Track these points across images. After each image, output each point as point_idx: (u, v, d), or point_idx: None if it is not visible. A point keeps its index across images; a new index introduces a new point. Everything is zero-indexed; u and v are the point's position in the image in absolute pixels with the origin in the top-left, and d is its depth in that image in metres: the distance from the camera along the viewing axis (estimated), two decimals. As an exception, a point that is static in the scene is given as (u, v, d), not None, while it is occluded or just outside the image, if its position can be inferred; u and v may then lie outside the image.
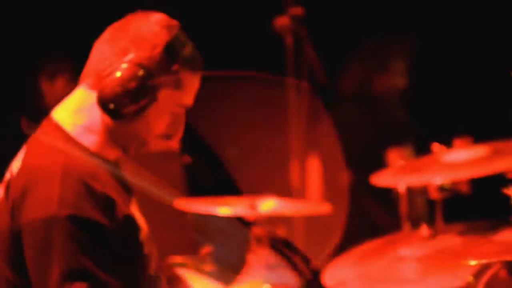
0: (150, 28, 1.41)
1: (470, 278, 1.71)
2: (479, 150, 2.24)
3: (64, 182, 1.30)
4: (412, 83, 3.80)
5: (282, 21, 2.87)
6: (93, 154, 1.40)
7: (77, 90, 1.45)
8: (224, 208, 2.78)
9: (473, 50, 3.83)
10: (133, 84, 1.34)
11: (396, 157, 3.25)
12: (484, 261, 1.69)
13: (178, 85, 1.42)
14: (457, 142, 2.26)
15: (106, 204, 1.32)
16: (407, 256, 2.08)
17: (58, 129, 1.42)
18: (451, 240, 2.06)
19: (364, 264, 2.12)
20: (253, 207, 2.60)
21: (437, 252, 1.97)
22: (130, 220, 1.41)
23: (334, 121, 3.65)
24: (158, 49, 1.38)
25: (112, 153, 1.46)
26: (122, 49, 1.38)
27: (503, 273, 1.69)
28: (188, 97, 1.47)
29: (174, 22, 1.45)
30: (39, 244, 1.27)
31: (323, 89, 3.56)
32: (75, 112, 1.44)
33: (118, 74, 1.35)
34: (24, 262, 1.29)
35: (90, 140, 1.41)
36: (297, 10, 2.90)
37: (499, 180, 1.95)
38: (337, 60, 3.67)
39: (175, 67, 1.40)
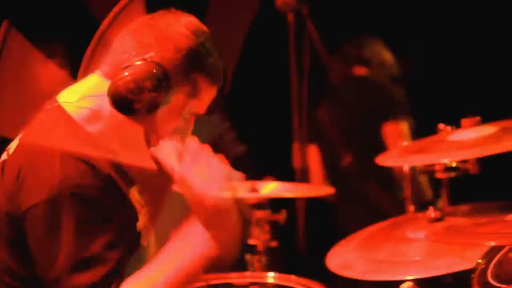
0: (178, 30, 1.37)
1: (480, 260, 1.62)
2: (487, 129, 2.18)
3: (64, 161, 1.27)
4: (418, 63, 3.76)
5: (284, -1, 2.82)
6: (93, 140, 1.36)
7: (90, 76, 1.42)
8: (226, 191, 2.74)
9: (479, 30, 3.79)
10: (147, 83, 1.30)
11: (393, 133, 3.23)
12: (494, 242, 1.62)
13: (193, 93, 1.38)
14: (465, 121, 2.21)
15: (109, 183, 1.30)
16: (414, 238, 2.05)
17: (61, 111, 1.38)
18: (459, 221, 2.02)
19: (370, 247, 2.08)
20: (254, 190, 2.58)
21: (445, 233, 1.91)
22: (130, 206, 1.38)
23: (333, 103, 3.63)
24: (181, 53, 1.35)
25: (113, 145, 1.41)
26: (146, 45, 1.35)
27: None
28: (201, 106, 1.43)
29: (204, 29, 1.41)
30: (44, 227, 1.22)
31: (324, 68, 3.53)
32: (84, 97, 1.40)
33: (135, 69, 1.31)
34: (22, 246, 1.26)
35: (93, 127, 1.37)
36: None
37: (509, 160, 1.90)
38: (337, 40, 3.63)
39: (194, 74, 1.36)
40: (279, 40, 3.03)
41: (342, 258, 2.04)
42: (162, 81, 1.31)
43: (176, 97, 1.36)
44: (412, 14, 3.95)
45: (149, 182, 1.53)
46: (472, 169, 2.20)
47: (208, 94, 1.42)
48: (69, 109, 1.37)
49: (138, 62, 1.31)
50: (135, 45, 1.34)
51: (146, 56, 1.32)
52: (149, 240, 1.45)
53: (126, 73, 1.30)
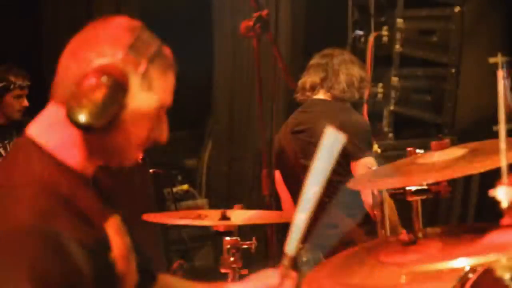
0: (110, 33, 1.38)
1: (455, 283, 1.65)
2: (457, 151, 2.19)
3: (36, 193, 1.25)
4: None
5: (247, 25, 2.84)
6: (69, 169, 1.34)
7: (49, 106, 1.43)
8: (197, 220, 2.75)
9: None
10: (98, 94, 1.27)
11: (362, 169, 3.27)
12: (469, 264, 1.62)
13: (148, 86, 1.36)
14: (434, 144, 2.22)
15: (82, 219, 1.27)
16: (387, 262, 2.03)
17: (33, 144, 1.36)
18: (432, 244, 2.01)
19: (344, 272, 2.06)
20: (225, 217, 2.58)
21: (419, 256, 1.92)
22: (102, 241, 1.35)
23: (295, 127, 3.65)
24: (119, 53, 1.35)
25: (91, 168, 1.40)
26: (84, 59, 1.34)
27: (489, 277, 1.65)
28: (163, 97, 1.42)
29: (136, 23, 1.40)
30: (3, 256, 1.20)
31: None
32: (48, 127, 1.39)
33: (82, 85, 1.29)
34: None
35: (66, 156, 1.36)
36: (263, 13, 2.86)
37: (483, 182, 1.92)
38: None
39: (141, 68, 1.35)
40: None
41: (317, 284, 2.01)
42: (112, 87, 1.29)
43: (133, 98, 1.33)
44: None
45: (131, 207, 1.52)
46: (443, 191, 2.21)
47: (165, 82, 1.40)
48: (39, 141, 1.35)
49: (83, 77, 1.30)
50: (75, 63, 1.35)
51: (88, 69, 1.31)
52: (127, 268, 1.42)
53: (76, 91, 1.29)
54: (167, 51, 1.42)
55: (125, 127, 1.35)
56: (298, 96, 3.73)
